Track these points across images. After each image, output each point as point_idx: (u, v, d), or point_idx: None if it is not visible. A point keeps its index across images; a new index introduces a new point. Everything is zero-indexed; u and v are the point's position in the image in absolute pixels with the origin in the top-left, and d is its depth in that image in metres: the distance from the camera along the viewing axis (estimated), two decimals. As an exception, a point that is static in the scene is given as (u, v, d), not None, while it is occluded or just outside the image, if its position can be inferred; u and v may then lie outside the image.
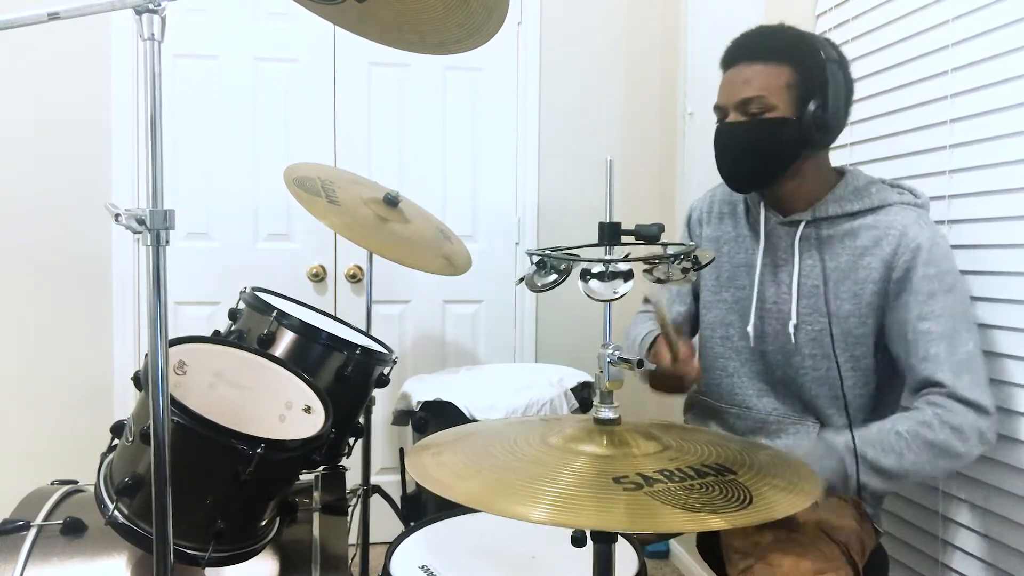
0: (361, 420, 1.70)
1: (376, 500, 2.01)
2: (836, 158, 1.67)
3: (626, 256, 0.89)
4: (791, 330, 1.32)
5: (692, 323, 1.59)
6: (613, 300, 0.85)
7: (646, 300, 1.65)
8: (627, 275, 0.85)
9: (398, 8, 1.14)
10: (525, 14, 2.75)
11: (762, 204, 1.38)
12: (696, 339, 1.56)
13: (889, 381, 1.33)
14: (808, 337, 1.32)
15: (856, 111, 1.64)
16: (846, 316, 1.28)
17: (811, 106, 1.24)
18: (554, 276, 0.89)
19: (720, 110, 1.32)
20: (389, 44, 1.25)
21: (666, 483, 0.75)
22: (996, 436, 1.20)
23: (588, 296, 0.85)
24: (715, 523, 0.69)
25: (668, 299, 1.59)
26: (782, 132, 1.26)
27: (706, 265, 0.96)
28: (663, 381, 1.37)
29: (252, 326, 1.51)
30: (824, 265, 1.30)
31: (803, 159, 1.29)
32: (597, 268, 0.85)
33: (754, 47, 1.28)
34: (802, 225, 1.32)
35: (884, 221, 1.27)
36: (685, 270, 0.91)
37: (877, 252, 1.26)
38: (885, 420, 1.23)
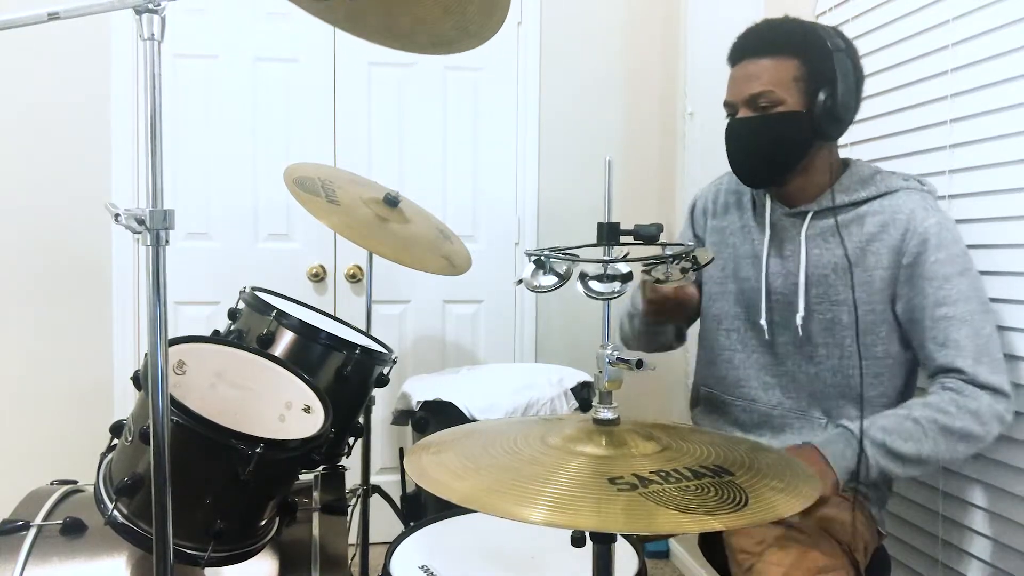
0: (361, 420, 1.70)
1: (376, 500, 2.01)
2: (836, 158, 1.66)
3: (625, 256, 0.89)
4: (799, 321, 1.32)
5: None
6: (612, 299, 0.85)
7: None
8: (626, 275, 0.85)
9: (388, 9, 1.13)
10: (525, 14, 2.75)
11: (767, 196, 1.38)
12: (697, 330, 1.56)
13: (900, 367, 1.32)
14: (820, 327, 1.31)
15: (856, 111, 1.65)
16: (856, 304, 1.28)
17: (821, 97, 1.24)
18: (553, 278, 0.89)
19: (730, 106, 1.32)
20: (378, 42, 1.25)
21: (661, 484, 0.75)
22: (1014, 416, 1.20)
23: (587, 295, 0.85)
24: (709, 524, 0.69)
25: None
26: (793, 125, 1.26)
27: (705, 265, 0.96)
28: (661, 306, 1.35)
29: (252, 326, 1.51)
30: (832, 255, 1.30)
31: (815, 150, 1.29)
32: (596, 268, 0.85)
33: (760, 41, 1.28)
34: (809, 216, 1.32)
35: (890, 207, 1.27)
36: (684, 270, 0.91)
37: (885, 238, 1.26)
38: (900, 407, 1.23)
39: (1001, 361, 1.20)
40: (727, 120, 1.33)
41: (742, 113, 1.29)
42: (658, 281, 0.92)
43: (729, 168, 1.40)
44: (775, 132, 1.27)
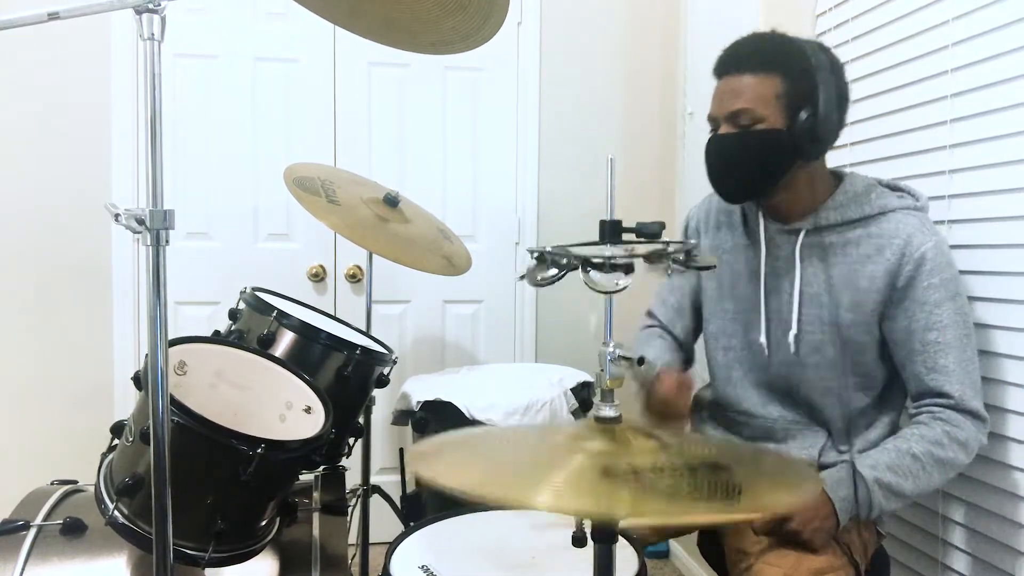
0: (361, 420, 1.70)
1: (376, 500, 2.01)
2: (836, 158, 1.67)
3: (628, 253, 0.88)
4: (791, 339, 1.31)
5: (697, 335, 1.58)
6: (615, 292, 0.85)
7: (649, 314, 1.64)
8: (628, 268, 0.85)
9: (390, 6, 1.13)
10: (525, 14, 2.75)
11: (760, 213, 1.37)
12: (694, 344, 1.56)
13: (890, 388, 1.33)
14: (810, 347, 1.31)
15: (856, 111, 1.65)
16: (848, 325, 1.27)
17: (802, 116, 1.22)
18: (555, 270, 0.88)
19: (712, 120, 1.31)
20: (378, 41, 1.25)
21: (656, 476, 0.75)
22: (987, 439, 1.25)
23: (589, 287, 0.85)
24: (696, 516, 0.69)
25: (670, 318, 1.57)
26: (772, 143, 1.24)
27: (706, 268, 0.95)
28: (656, 410, 1.35)
29: (252, 326, 1.51)
30: (826, 274, 1.29)
31: (796, 169, 1.27)
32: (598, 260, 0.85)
33: (744, 57, 1.27)
34: (802, 234, 1.31)
35: (887, 229, 1.25)
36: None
37: (880, 261, 1.25)
38: (897, 439, 1.24)
39: (979, 384, 1.24)
40: (709, 134, 1.32)
41: (723, 129, 1.28)
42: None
43: None
44: (754, 149, 1.26)
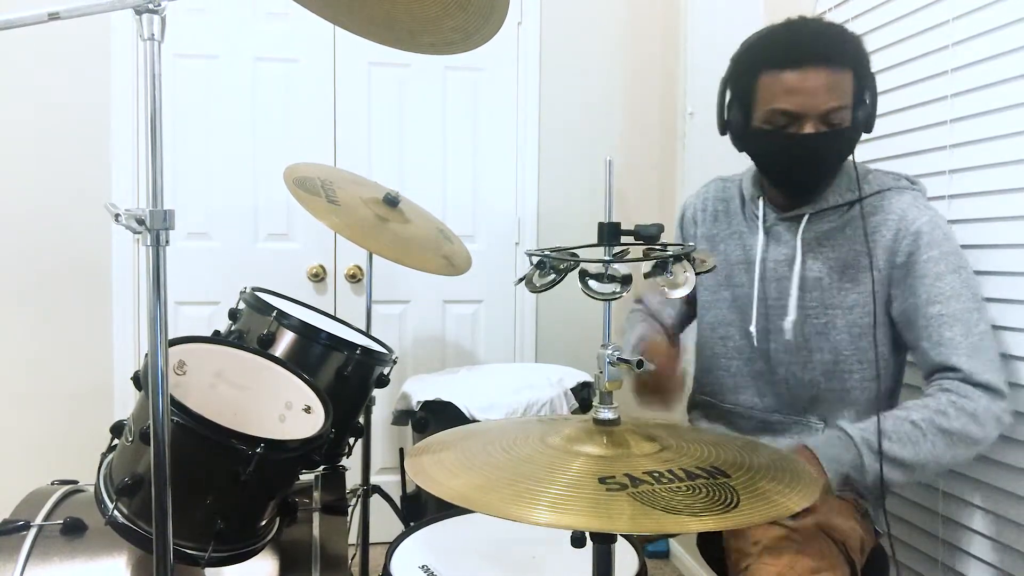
0: (361, 420, 1.70)
1: (376, 500, 2.01)
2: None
3: (625, 256, 0.89)
4: (788, 326, 1.31)
5: (685, 325, 1.58)
6: (613, 299, 0.85)
7: (638, 300, 1.65)
8: (626, 276, 0.85)
9: (390, 6, 1.13)
10: (525, 14, 2.75)
11: (761, 200, 1.37)
12: (687, 338, 1.56)
13: (891, 370, 1.32)
14: (814, 331, 1.31)
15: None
16: (851, 307, 1.28)
17: (861, 112, 1.23)
18: (553, 276, 0.89)
19: (789, 116, 1.21)
20: (378, 41, 1.25)
21: (652, 485, 0.75)
22: (1011, 417, 1.19)
23: (588, 295, 0.85)
24: (693, 525, 0.69)
25: (660, 304, 1.58)
26: (850, 140, 1.25)
27: (706, 271, 0.95)
28: (648, 394, 1.36)
29: (252, 326, 1.52)
30: (826, 257, 1.30)
31: None
32: (596, 268, 0.85)
33: (824, 50, 1.21)
34: (805, 219, 1.31)
35: (882, 207, 1.26)
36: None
37: (877, 239, 1.25)
38: (898, 409, 1.22)
39: (996, 359, 1.19)
40: (785, 131, 1.22)
41: (811, 127, 1.21)
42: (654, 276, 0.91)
43: (717, 175, 1.38)
44: (838, 147, 1.24)
